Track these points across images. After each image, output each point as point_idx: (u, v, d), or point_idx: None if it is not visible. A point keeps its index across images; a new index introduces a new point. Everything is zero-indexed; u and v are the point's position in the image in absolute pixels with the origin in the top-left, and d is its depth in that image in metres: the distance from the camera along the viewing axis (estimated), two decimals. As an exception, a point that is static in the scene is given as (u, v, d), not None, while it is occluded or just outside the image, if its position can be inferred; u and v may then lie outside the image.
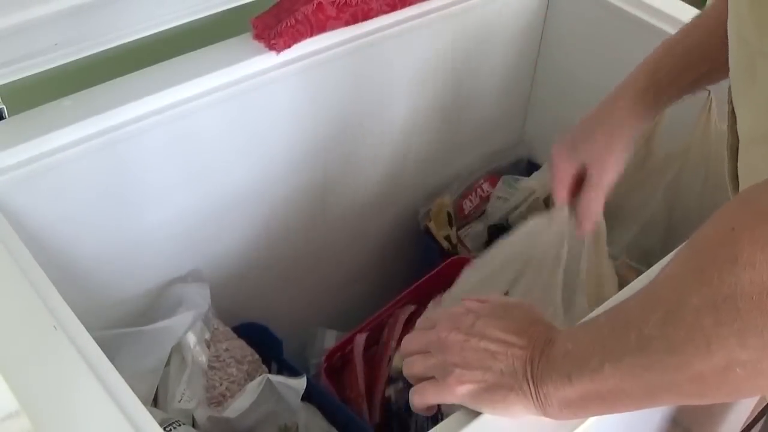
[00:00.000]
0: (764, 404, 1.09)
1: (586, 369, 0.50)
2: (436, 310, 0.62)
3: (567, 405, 0.52)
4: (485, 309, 0.59)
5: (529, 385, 0.53)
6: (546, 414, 0.54)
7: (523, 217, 1.07)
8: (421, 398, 0.58)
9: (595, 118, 0.80)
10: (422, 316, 0.62)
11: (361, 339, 0.95)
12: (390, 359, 0.94)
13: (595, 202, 0.79)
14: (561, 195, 0.81)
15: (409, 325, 0.98)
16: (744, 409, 1.06)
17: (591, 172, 0.79)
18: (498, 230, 1.09)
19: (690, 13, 0.98)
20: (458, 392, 0.56)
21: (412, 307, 0.99)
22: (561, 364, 0.52)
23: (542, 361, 0.53)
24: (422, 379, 0.59)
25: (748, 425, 1.11)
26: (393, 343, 0.95)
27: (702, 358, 0.44)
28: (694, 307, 0.44)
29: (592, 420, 0.56)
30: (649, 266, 0.67)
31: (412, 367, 0.60)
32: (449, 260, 1.02)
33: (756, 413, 1.11)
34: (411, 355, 0.60)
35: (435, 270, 1.00)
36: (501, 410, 0.55)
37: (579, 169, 0.80)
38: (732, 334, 0.42)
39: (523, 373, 0.54)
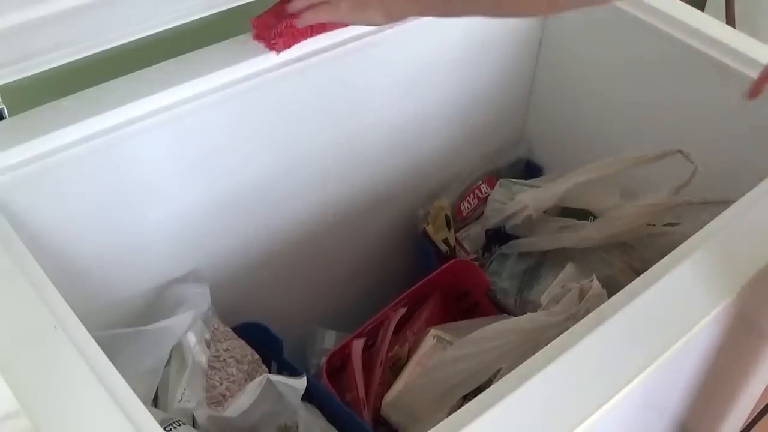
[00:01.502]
0: (764, 404, 1.10)
1: None
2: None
3: None
4: None
5: None
6: (387, 12, 0.77)
7: (518, 228, 1.06)
8: (313, 17, 0.81)
9: None
10: None
11: (358, 345, 0.95)
12: (382, 362, 0.94)
13: None
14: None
15: (399, 328, 0.98)
16: (744, 409, 1.06)
17: None
18: (495, 234, 1.09)
19: (690, 13, 0.98)
20: (342, 8, 0.79)
21: (403, 310, 0.99)
22: None
23: None
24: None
25: (748, 425, 1.11)
26: (385, 346, 0.95)
27: None
28: None
29: (592, 420, 0.57)
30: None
31: None
32: (447, 263, 1.02)
33: (756, 413, 1.11)
34: None
35: (433, 273, 1.00)
36: (360, 16, 0.79)
37: None
38: None
39: None
